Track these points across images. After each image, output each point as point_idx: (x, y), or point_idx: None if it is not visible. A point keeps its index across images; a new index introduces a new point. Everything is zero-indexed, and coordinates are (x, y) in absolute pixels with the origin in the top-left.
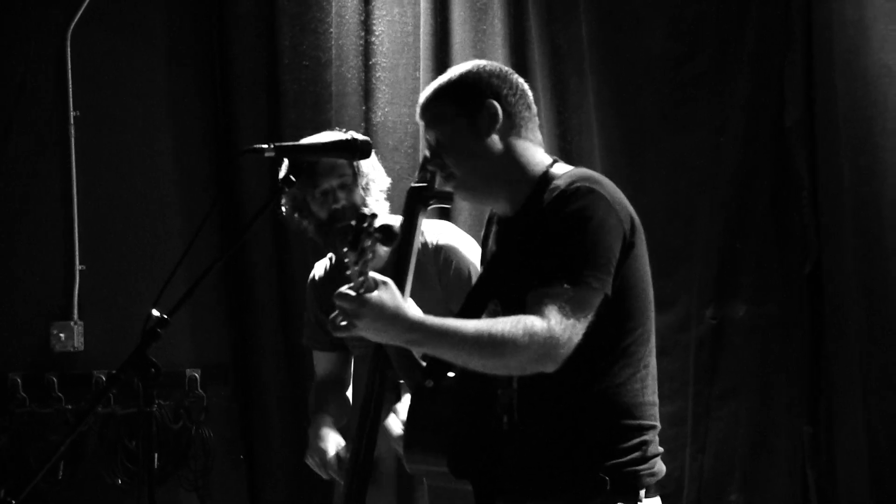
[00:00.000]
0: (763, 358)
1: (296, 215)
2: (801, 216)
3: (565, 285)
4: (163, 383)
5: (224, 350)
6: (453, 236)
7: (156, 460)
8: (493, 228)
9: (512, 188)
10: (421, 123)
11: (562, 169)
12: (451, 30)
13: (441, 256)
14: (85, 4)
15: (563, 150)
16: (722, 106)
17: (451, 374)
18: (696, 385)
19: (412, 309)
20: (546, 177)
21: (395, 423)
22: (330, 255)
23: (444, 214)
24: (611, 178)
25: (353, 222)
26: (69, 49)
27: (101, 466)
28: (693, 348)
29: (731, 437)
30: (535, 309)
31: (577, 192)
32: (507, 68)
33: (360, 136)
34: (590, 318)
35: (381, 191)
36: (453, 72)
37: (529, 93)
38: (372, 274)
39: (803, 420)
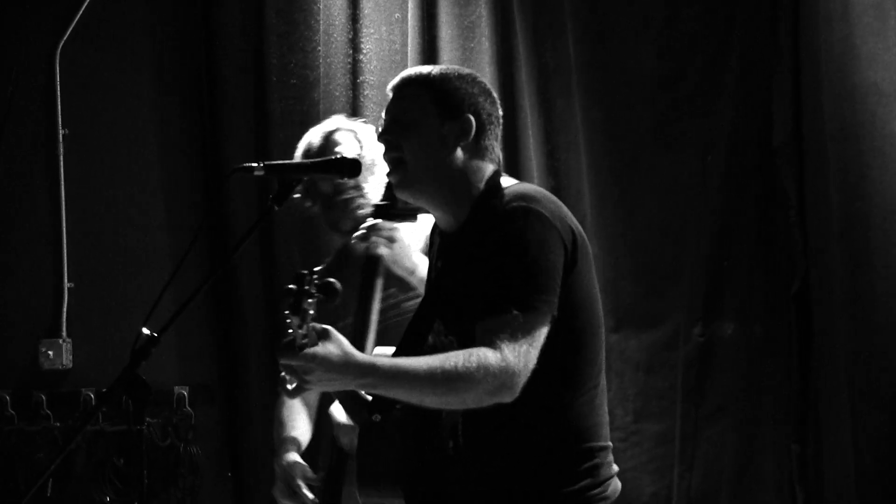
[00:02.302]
0: (751, 376)
1: (306, 201)
2: (788, 235)
3: (514, 312)
4: (151, 401)
5: (212, 368)
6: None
7: (144, 478)
8: (437, 241)
9: (456, 201)
10: (389, 94)
11: (505, 183)
12: (438, 48)
13: None
14: (74, 23)
15: (550, 168)
16: (709, 125)
17: (398, 406)
18: (683, 404)
19: (360, 354)
20: (487, 192)
21: (338, 410)
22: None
23: None
24: (599, 197)
25: (292, 285)
26: (58, 67)
27: (90, 484)
28: (681, 367)
29: (719, 456)
30: (487, 339)
31: (513, 214)
32: (494, 94)
33: (349, 155)
34: (542, 341)
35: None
36: (449, 69)
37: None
38: (312, 325)
39: (791, 438)
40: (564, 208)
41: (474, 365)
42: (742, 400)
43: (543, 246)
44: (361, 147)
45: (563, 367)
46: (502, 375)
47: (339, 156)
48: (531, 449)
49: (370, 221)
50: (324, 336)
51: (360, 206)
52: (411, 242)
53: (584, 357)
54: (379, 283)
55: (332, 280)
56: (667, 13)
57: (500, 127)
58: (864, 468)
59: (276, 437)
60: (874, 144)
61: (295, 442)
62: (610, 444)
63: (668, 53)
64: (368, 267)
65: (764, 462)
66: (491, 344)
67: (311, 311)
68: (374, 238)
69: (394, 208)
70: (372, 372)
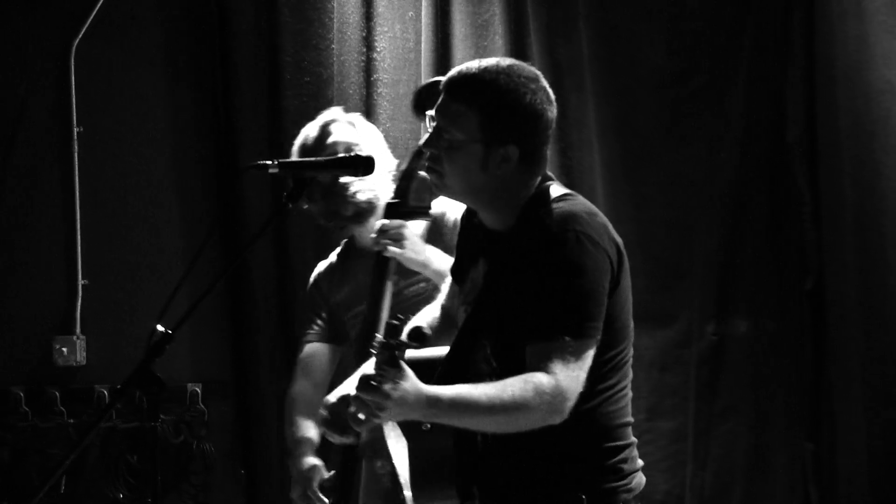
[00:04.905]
0: (764, 374)
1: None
2: (801, 232)
3: (566, 338)
4: (164, 398)
5: (225, 365)
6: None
7: (157, 475)
8: (477, 234)
9: (499, 208)
10: (441, 91)
11: (555, 192)
12: (452, 46)
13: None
14: (89, 21)
15: (563, 165)
16: (721, 121)
17: None
18: (696, 401)
19: (426, 387)
20: (535, 200)
21: None
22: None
23: None
24: (611, 194)
25: (389, 339)
26: (73, 65)
27: (103, 481)
28: (694, 364)
29: (732, 454)
30: (540, 364)
31: (566, 238)
32: (552, 97)
33: (363, 153)
34: (589, 364)
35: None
36: (508, 73)
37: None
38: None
39: (804, 437)
40: (608, 223)
41: (531, 393)
42: (755, 398)
43: (594, 272)
44: (358, 138)
45: (593, 373)
46: (555, 401)
47: (353, 153)
48: (557, 447)
49: (380, 222)
50: (400, 376)
51: (358, 191)
52: (419, 238)
53: (613, 363)
54: (389, 284)
55: (419, 325)
56: (678, 9)
57: (553, 128)
58: (878, 466)
59: (289, 438)
60: (889, 142)
61: (310, 443)
62: (635, 440)
63: (681, 49)
64: (379, 267)
65: (777, 460)
66: (545, 369)
67: (404, 358)
68: (382, 239)
69: (405, 206)
70: (436, 405)
